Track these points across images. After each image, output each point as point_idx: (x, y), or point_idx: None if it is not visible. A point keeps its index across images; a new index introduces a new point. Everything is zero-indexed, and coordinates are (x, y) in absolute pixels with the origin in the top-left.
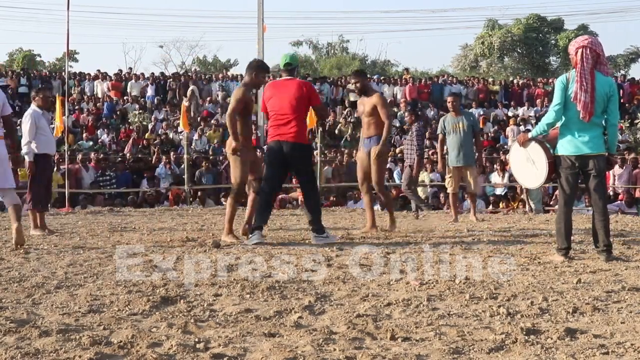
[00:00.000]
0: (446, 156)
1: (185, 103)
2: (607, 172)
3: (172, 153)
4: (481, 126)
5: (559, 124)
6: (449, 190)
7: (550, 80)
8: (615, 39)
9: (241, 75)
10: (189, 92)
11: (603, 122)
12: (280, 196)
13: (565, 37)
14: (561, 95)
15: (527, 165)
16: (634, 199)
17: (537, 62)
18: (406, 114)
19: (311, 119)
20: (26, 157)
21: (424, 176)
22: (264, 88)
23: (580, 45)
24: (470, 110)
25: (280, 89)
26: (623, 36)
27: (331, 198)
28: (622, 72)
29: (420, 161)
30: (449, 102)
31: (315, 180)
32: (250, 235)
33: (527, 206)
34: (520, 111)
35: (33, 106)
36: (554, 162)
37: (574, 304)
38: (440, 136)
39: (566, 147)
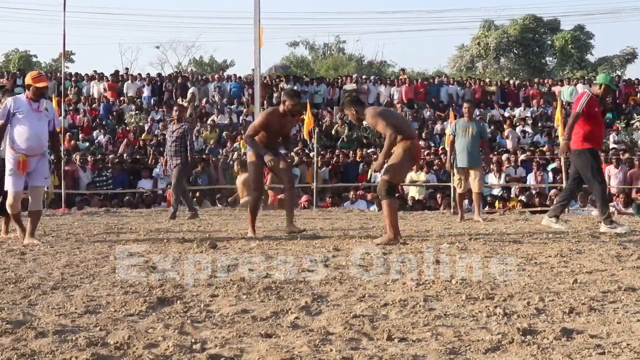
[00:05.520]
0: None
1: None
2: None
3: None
4: None
5: None
6: (458, 190)
7: (546, 81)
8: (611, 39)
9: (235, 75)
10: (189, 95)
11: None
12: (279, 196)
13: (561, 38)
14: None
15: None
16: (630, 199)
17: (533, 63)
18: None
19: (309, 119)
20: None
21: (420, 176)
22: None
23: None
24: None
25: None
26: (619, 36)
27: (327, 199)
28: (618, 72)
29: (192, 162)
30: (465, 107)
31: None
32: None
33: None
34: (517, 112)
35: None
36: None
37: (570, 304)
38: (450, 138)
39: None
